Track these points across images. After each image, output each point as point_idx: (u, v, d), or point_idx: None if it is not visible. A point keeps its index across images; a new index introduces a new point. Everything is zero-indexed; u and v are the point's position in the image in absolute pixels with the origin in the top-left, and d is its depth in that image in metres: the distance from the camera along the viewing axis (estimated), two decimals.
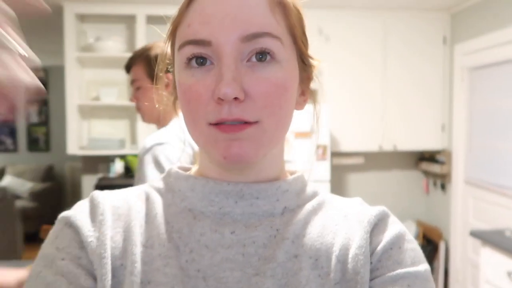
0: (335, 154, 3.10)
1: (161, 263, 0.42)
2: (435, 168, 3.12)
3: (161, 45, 1.23)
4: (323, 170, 2.75)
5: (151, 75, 1.18)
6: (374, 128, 3.05)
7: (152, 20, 2.90)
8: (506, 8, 2.52)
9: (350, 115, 3.02)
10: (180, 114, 1.36)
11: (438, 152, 3.16)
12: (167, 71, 1.22)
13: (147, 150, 1.17)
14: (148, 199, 0.48)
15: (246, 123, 0.41)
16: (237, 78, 0.39)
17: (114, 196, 0.47)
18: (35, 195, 4.96)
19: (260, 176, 0.47)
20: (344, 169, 3.32)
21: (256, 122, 0.41)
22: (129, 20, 2.99)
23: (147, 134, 2.97)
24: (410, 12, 3.01)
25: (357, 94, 3.02)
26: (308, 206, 0.48)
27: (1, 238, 3.53)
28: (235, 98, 0.39)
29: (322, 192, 0.52)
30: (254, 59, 0.41)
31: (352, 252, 0.43)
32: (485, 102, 2.74)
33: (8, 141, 5.59)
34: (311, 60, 0.48)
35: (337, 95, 2.96)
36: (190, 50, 0.41)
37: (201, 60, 0.41)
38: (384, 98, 3.04)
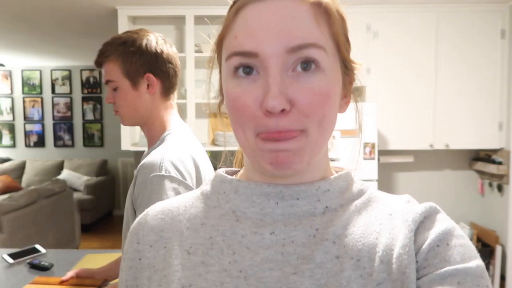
0: (383, 152, 3.03)
1: (204, 269, 0.45)
2: (491, 168, 2.96)
3: (138, 39, 1.05)
4: (371, 168, 2.70)
5: (129, 75, 1.06)
6: (424, 126, 2.94)
7: (200, 20, 2.97)
8: None
9: (399, 113, 2.94)
10: (174, 124, 1.11)
11: (495, 151, 2.99)
12: (147, 71, 1.06)
13: (149, 180, 0.97)
14: (195, 206, 0.51)
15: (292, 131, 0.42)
16: (282, 89, 0.41)
17: (159, 210, 0.52)
18: (90, 188, 5.25)
19: (303, 178, 0.48)
20: (392, 167, 3.23)
21: (301, 131, 0.42)
22: (178, 21, 3.08)
23: (196, 131, 3.06)
24: (464, 5, 2.86)
25: (407, 91, 2.93)
26: (352, 205, 0.48)
27: (61, 228, 3.78)
28: (282, 110, 0.41)
29: (369, 189, 0.51)
30: (299, 68, 0.42)
31: (396, 252, 0.42)
32: None
33: (66, 137, 5.96)
34: (353, 64, 0.49)
35: (386, 92, 2.89)
36: (237, 60, 0.43)
37: (247, 70, 0.43)
38: (436, 95, 2.93)
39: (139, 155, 3.26)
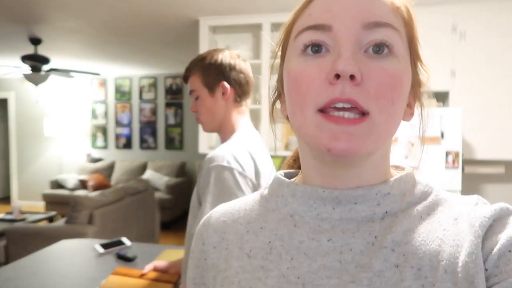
0: (468, 162, 2.81)
1: (263, 274, 0.45)
2: None
3: (215, 54, 1.20)
4: (454, 179, 2.51)
5: (207, 84, 1.23)
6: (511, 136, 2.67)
7: (276, 27, 3.02)
8: None
9: (487, 119, 2.70)
10: (242, 126, 1.25)
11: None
12: (222, 80, 1.21)
13: (211, 169, 1.10)
14: (255, 209, 0.51)
15: (357, 116, 0.39)
16: (355, 58, 0.39)
17: (222, 212, 0.54)
18: (169, 188, 5.58)
19: (361, 181, 0.45)
20: (480, 178, 2.98)
21: (366, 114, 0.39)
22: (255, 29, 3.17)
23: (268, 135, 3.11)
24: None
25: (496, 95, 2.68)
26: (413, 210, 0.45)
27: (143, 223, 4.08)
28: (352, 77, 0.38)
29: (434, 191, 0.47)
30: (371, 50, 0.40)
31: (462, 261, 0.38)
32: None
33: (150, 140, 6.41)
34: (423, 67, 0.46)
35: (472, 96, 2.68)
36: (308, 36, 0.41)
37: (316, 48, 0.41)
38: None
39: None
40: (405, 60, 0.42)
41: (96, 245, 1.89)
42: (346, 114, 0.39)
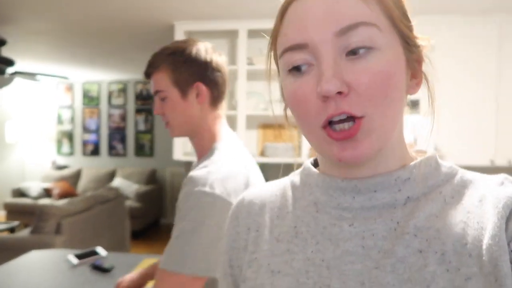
0: None
1: (289, 257, 0.47)
2: None
3: (188, 47, 1.02)
4: None
5: (179, 84, 1.02)
6: (485, 141, 2.80)
7: (252, 33, 3.03)
8: None
9: (458, 127, 2.82)
10: (224, 134, 1.07)
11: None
12: (197, 80, 1.03)
13: (190, 193, 0.91)
14: (284, 195, 0.53)
15: (355, 122, 0.40)
16: (337, 73, 0.39)
17: (254, 195, 0.56)
18: (139, 196, 5.44)
19: (379, 169, 0.46)
20: None
21: (362, 117, 0.40)
22: (231, 35, 3.16)
23: (245, 142, 3.10)
24: None
25: (466, 104, 2.81)
26: (436, 193, 0.44)
27: (113, 233, 3.94)
28: (339, 93, 0.39)
29: (459, 173, 0.47)
30: (352, 53, 0.40)
31: (485, 243, 0.38)
32: None
33: (119, 146, 6.24)
34: (417, 41, 0.45)
35: (444, 105, 2.78)
36: (289, 58, 0.43)
37: (299, 69, 0.42)
38: (498, 109, 2.78)
39: (189, 165, 3.35)
40: (390, 47, 0.42)
41: (70, 255, 1.80)
42: (347, 125, 0.41)
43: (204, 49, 1.06)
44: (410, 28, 0.44)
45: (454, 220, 0.42)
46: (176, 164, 5.65)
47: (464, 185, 0.45)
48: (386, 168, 0.46)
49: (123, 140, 6.23)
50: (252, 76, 3.10)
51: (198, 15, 2.90)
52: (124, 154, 6.25)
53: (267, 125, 3.24)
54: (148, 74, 1.08)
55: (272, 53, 0.49)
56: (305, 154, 3.00)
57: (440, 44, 2.79)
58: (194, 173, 0.95)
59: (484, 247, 0.38)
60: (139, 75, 5.90)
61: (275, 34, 0.46)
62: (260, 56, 3.08)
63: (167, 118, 1.06)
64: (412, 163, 0.46)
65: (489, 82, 2.79)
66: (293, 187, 0.53)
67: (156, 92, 1.06)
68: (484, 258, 0.38)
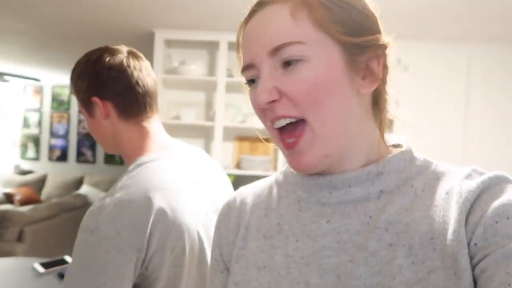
0: None
1: (273, 252, 0.50)
2: None
3: (82, 61, 0.94)
4: None
5: (82, 103, 0.94)
6: (452, 162, 2.91)
7: (232, 46, 3.05)
8: None
9: (429, 146, 2.92)
10: (148, 150, 0.94)
11: None
12: (92, 95, 0.92)
13: (87, 232, 0.75)
14: (271, 193, 0.57)
15: (297, 124, 0.46)
16: (268, 84, 0.46)
17: (245, 194, 0.59)
18: None
19: (350, 165, 0.48)
20: None
21: (303, 121, 0.45)
22: (211, 46, 3.18)
23: (222, 154, 3.09)
24: (496, 45, 2.89)
25: (435, 127, 2.92)
26: (408, 187, 0.46)
27: None
28: (273, 101, 0.46)
29: (432, 166, 0.49)
30: (285, 65, 0.46)
31: (448, 239, 0.40)
32: None
33: (88, 153, 6.06)
34: (368, 42, 0.46)
35: (415, 125, 2.89)
36: (245, 74, 0.50)
37: (252, 81, 0.50)
38: (465, 133, 2.91)
39: None
40: (321, 57, 0.45)
41: (36, 264, 1.72)
42: (293, 139, 0.47)
43: (96, 56, 0.92)
44: (352, 34, 0.46)
45: (422, 213, 0.44)
46: None
47: (436, 178, 0.47)
48: (359, 163, 0.49)
49: (92, 146, 6.06)
50: (231, 88, 3.11)
51: (179, 24, 2.89)
52: (93, 161, 6.07)
53: (243, 137, 3.24)
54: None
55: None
56: (281, 167, 3.02)
57: (413, 67, 2.90)
58: (94, 204, 0.80)
59: (446, 242, 0.41)
60: None
61: (240, 54, 0.52)
62: (239, 68, 3.10)
63: (93, 137, 0.99)
64: (386, 157, 0.49)
65: (456, 106, 2.92)
66: (278, 186, 0.56)
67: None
68: (447, 252, 0.40)
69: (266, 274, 0.49)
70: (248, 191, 0.59)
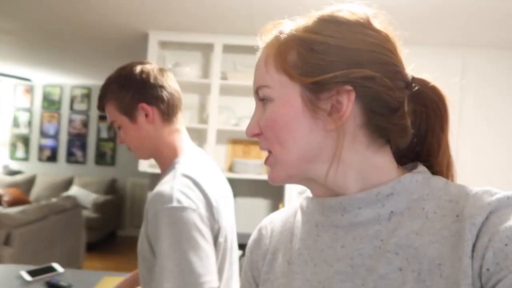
0: None
1: (293, 277, 0.53)
2: None
3: (123, 72, 1.04)
4: None
5: (125, 111, 1.05)
6: None
7: (228, 49, 3.02)
8: None
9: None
10: (185, 149, 1.12)
11: None
12: (139, 101, 1.06)
13: (160, 213, 0.91)
14: (295, 219, 0.59)
15: (269, 152, 0.53)
16: (254, 119, 0.54)
17: (273, 221, 0.63)
18: (97, 206, 5.21)
19: (345, 189, 0.50)
20: None
21: (271, 152, 0.52)
22: (205, 48, 3.14)
23: (215, 156, 3.05)
24: (491, 50, 2.90)
25: None
26: (419, 209, 0.47)
27: (67, 245, 3.73)
28: (257, 135, 0.53)
29: (445, 187, 0.48)
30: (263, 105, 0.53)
31: (454, 266, 0.41)
32: None
33: (79, 154, 5.98)
34: (323, 78, 0.47)
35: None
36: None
37: None
38: (458, 139, 2.91)
39: (155, 177, 3.25)
40: (283, 98, 0.50)
41: (22, 272, 1.67)
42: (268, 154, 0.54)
43: (140, 69, 1.07)
44: (310, 74, 0.48)
45: (432, 238, 0.44)
46: (139, 175, 5.47)
47: (448, 200, 0.47)
48: (352, 187, 0.50)
49: (83, 147, 5.98)
50: (224, 90, 3.08)
51: (173, 25, 2.85)
52: (83, 162, 5.99)
53: (236, 140, 3.21)
54: (100, 107, 1.11)
55: None
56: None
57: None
58: (154, 192, 0.96)
59: (452, 269, 0.41)
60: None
61: None
62: (234, 71, 3.07)
63: (128, 144, 1.09)
64: (396, 180, 0.49)
65: (451, 109, 2.92)
66: (302, 211, 0.59)
67: (112, 123, 1.10)
68: (451, 279, 0.41)
69: None
70: (278, 217, 0.63)
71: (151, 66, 1.09)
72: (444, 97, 0.54)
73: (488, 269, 0.39)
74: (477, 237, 0.41)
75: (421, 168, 0.51)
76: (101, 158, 5.98)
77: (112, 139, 5.96)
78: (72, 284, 1.58)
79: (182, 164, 1.03)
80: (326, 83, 0.48)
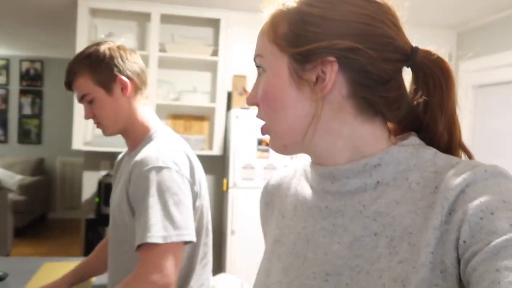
0: None
1: (288, 230, 0.58)
2: None
3: (100, 48, 1.12)
4: None
5: (102, 83, 1.08)
6: None
7: (166, 19, 2.89)
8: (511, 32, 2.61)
9: None
10: (156, 121, 1.18)
11: None
12: (117, 74, 1.13)
13: (146, 173, 0.99)
14: (296, 177, 0.63)
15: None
16: (254, 90, 0.55)
17: (278, 178, 0.67)
18: (24, 189, 4.84)
19: (335, 159, 0.52)
20: None
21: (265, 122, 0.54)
22: (141, 18, 2.97)
23: None
24: (418, 29, 3.08)
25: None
26: (403, 180, 0.48)
27: None
28: (256, 104, 0.55)
29: (433, 159, 0.49)
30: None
31: (421, 235, 0.43)
32: (489, 119, 2.82)
33: None
34: (307, 48, 0.48)
35: None
36: None
37: None
38: None
39: (90, 155, 3.08)
40: (273, 68, 0.51)
41: None
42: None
43: (115, 47, 1.13)
44: (296, 44, 0.49)
45: (409, 207, 0.46)
46: (70, 153, 5.14)
47: (433, 171, 0.47)
48: (342, 157, 0.52)
49: (4, 125, 5.45)
50: (163, 63, 2.96)
51: None
52: (4, 141, 5.48)
53: (177, 115, 3.13)
54: (68, 82, 1.11)
55: None
56: (217, 146, 2.98)
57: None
58: (139, 157, 1.03)
59: (419, 238, 0.43)
60: (25, 52, 5.20)
61: None
62: (172, 43, 2.94)
63: (98, 118, 1.11)
64: (384, 150, 0.50)
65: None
66: (300, 172, 0.63)
67: (82, 97, 1.10)
68: (416, 246, 0.43)
69: (279, 248, 0.58)
70: (278, 175, 0.68)
71: (121, 46, 1.14)
72: (449, 70, 0.52)
73: (464, 241, 0.39)
74: (452, 210, 0.41)
75: (413, 138, 0.52)
76: (25, 137, 5.51)
77: (37, 115, 5.50)
78: (8, 273, 1.46)
79: (161, 134, 1.10)
80: (310, 54, 0.48)
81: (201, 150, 2.98)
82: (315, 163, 0.56)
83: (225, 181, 2.91)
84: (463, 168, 0.44)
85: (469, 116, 2.98)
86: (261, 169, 2.73)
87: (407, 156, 0.50)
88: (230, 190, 2.73)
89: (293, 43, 0.49)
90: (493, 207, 0.39)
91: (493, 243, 0.37)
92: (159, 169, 0.99)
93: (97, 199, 2.87)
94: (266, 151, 2.73)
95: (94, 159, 3.08)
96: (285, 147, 0.54)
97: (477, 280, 0.37)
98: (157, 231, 0.94)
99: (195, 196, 1.08)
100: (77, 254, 3.91)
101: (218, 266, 3.18)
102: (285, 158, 2.64)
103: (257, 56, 0.54)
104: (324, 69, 0.48)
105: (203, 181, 1.15)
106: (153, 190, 0.97)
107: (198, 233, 1.10)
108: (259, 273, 0.61)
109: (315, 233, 0.54)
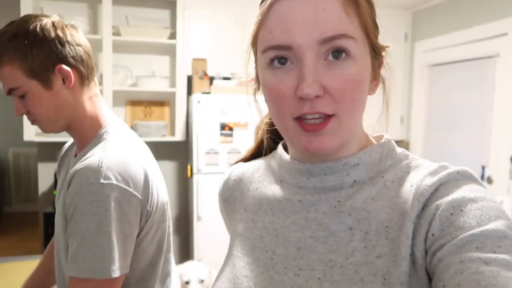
0: None
1: (252, 225, 0.58)
2: None
3: (30, 26, 0.86)
4: None
5: (35, 74, 0.86)
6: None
7: (119, 0, 2.74)
8: (466, 11, 2.69)
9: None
10: (109, 117, 0.98)
11: (396, 142, 3.34)
12: (56, 63, 0.88)
13: (84, 188, 0.79)
14: (260, 171, 0.62)
15: (325, 119, 0.46)
16: (316, 77, 0.44)
17: (239, 171, 0.66)
18: None
19: (346, 151, 0.51)
20: None
21: (333, 115, 0.46)
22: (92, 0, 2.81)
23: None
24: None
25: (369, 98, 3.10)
26: (379, 178, 0.50)
27: None
28: (316, 96, 0.45)
29: (407, 160, 0.51)
30: (330, 57, 0.45)
31: (399, 229, 0.44)
32: (443, 97, 2.93)
33: None
34: (381, 47, 0.51)
35: None
36: (273, 53, 0.46)
37: (282, 60, 0.46)
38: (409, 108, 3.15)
39: (44, 146, 2.92)
40: (362, 57, 0.47)
41: None
42: (318, 121, 0.46)
43: (51, 23, 0.87)
44: (377, 37, 0.50)
45: (385, 203, 0.48)
46: (23, 144, 4.87)
47: (407, 171, 0.50)
48: (351, 150, 0.52)
49: None
50: (118, 47, 2.83)
51: None
52: None
53: (135, 102, 3.02)
54: None
55: (252, 42, 0.52)
56: (180, 132, 2.91)
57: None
58: (82, 165, 0.82)
59: (397, 232, 0.45)
60: None
61: (259, 26, 0.48)
62: (127, 26, 2.81)
63: (34, 116, 0.89)
64: (363, 150, 0.51)
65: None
66: (267, 165, 0.62)
67: (11, 90, 0.87)
68: (395, 241, 0.44)
69: (244, 242, 0.57)
70: (239, 169, 0.66)
71: (56, 20, 0.89)
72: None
73: (433, 234, 0.41)
74: (425, 205, 0.44)
75: (386, 139, 0.54)
76: None
77: None
78: None
79: (113, 135, 0.90)
80: (380, 48, 0.51)
81: (162, 136, 2.90)
82: (298, 159, 0.54)
83: (189, 167, 2.87)
84: (437, 170, 0.47)
85: (425, 93, 3.08)
86: (225, 153, 2.70)
87: (382, 156, 0.52)
88: (194, 176, 2.69)
89: (375, 33, 0.49)
90: (462, 204, 0.42)
91: (460, 237, 0.40)
92: (100, 186, 0.78)
93: (54, 192, 2.74)
94: (230, 135, 2.70)
95: (49, 150, 2.93)
96: (340, 146, 0.48)
97: (441, 271, 0.39)
98: (84, 265, 0.77)
99: (147, 216, 0.87)
100: (37, 248, 3.76)
101: (186, 253, 3.16)
102: (249, 142, 2.62)
103: (341, 37, 0.44)
104: (379, 67, 0.53)
105: (162, 188, 0.94)
106: (92, 212, 0.78)
107: (158, 252, 0.94)
108: (223, 268, 0.59)
109: (285, 227, 0.53)
